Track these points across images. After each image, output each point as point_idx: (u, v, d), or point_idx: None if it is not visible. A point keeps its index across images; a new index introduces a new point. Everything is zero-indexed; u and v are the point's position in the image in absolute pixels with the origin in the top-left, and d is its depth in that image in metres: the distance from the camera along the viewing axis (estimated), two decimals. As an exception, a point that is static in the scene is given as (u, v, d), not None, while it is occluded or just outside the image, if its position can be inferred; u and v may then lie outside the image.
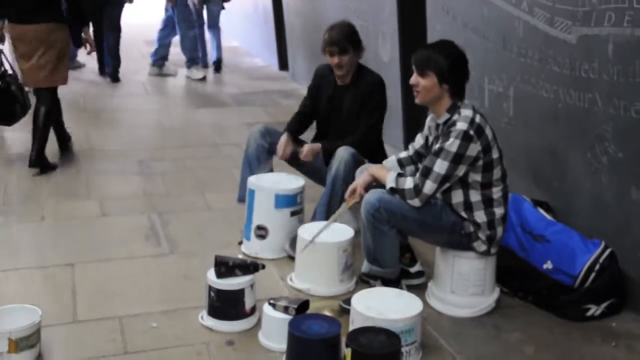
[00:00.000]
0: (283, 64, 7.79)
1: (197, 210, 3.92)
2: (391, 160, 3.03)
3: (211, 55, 7.89)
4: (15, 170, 4.45)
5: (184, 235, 3.56)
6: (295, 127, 3.63)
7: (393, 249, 2.84)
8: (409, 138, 4.38)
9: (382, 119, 3.52)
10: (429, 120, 2.92)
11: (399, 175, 2.76)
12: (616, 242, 2.89)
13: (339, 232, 3.06)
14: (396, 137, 4.76)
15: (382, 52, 4.91)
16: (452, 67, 2.70)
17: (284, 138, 3.53)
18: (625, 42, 2.71)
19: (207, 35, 7.75)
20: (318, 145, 3.47)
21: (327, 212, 3.30)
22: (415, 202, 2.69)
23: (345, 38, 3.37)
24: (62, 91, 4.66)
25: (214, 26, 7.73)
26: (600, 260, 2.81)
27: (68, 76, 4.57)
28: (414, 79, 2.74)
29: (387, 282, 2.84)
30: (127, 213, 3.83)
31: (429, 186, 2.65)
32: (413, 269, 3.08)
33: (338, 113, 3.52)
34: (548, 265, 2.88)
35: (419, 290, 2.92)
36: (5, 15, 4.31)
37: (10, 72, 4.46)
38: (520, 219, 3.06)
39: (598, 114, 2.91)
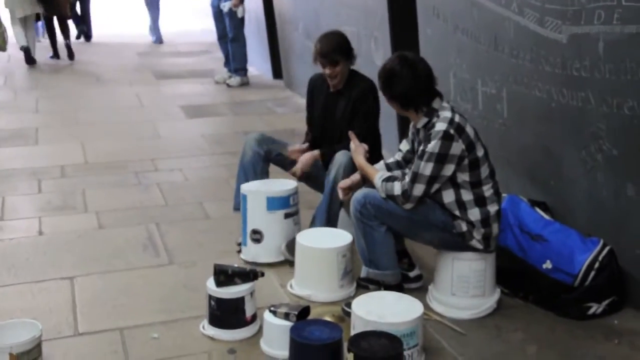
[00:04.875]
0: (277, 73, 7.81)
1: (195, 220, 3.92)
2: (379, 166, 3.03)
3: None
4: (12, 184, 4.46)
5: (183, 245, 3.56)
6: (312, 140, 3.62)
7: (387, 248, 2.84)
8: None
9: (377, 122, 3.52)
10: (412, 126, 2.95)
11: (386, 179, 2.77)
12: (614, 239, 2.89)
13: (338, 237, 3.07)
14: (390, 142, 4.75)
15: (375, 57, 4.92)
16: (402, 96, 2.73)
17: (309, 156, 3.47)
18: (616, 40, 2.72)
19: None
20: (316, 153, 3.47)
21: (327, 216, 3.30)
22: (407, 206, 2.73)
23: (334, 50, 3.36)
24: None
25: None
26: (600, 258, 2.81)
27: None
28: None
29: (389, 288, 2.82)
30: (124, 225, 3.83)
31: (417, 189, 2.68)
32: (412, 274, 3.08)
33: (332, 119, 3.53)
34: (547, 264, 2.88)
35: (420, 293, 2.92)
36: None
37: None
38: (518, 220, 3.07)
39: (591, 112, 2.92)
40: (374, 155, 3.44)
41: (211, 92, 7.42)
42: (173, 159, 5.05)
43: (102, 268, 3.28)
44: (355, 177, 3.05)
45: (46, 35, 9.66)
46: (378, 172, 2.86)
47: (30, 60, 8.74)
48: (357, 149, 3.04)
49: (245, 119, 6.28)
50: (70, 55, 9.12)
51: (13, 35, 8.65)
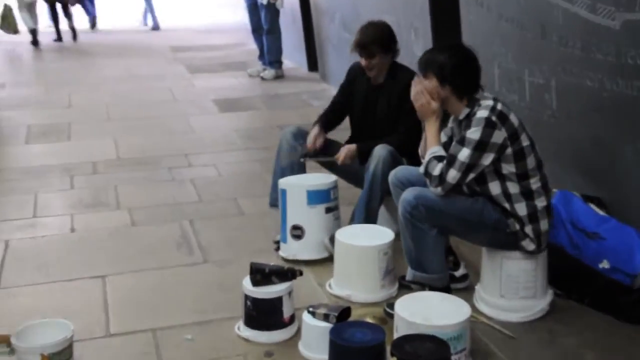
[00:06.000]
0: (312, 65, 7.71)
1: (230, 217, 3.83)
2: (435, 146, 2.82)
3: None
4: (45, 181, 4.44)
5: (217, 242, 3.48)
6: (325, 121, 3.55)
7: (437, 251, 2.72)
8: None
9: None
10: (451, 121, 2.82)
11: (436, 157, 2.65)
12: (677, 237, 2.72)
13: (379, 234, 2.95)
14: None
15: (415, 47, 4.80)
16: (451, 66, 2.63)
17: (315, 129, 3.48)
18: (677, 25, 2.55)
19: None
20: (353, 147, 3.38)
21: (366, 212, 3.19)
22: (438, 191, 2.61)
23: (373, 42, 3.28)
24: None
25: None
26: (662, 258, 2.64)
27: None
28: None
29: (434, 290, 2.70)
30: (157, 222, 3.76)
31: (452, 174, 2.56)
32: (458, 273, 2.95)
33: (372, 114, 3.45)
34: (604, 264, 2.72)
35: (466, 293, 2.79)
36: None
37: None
38: (571, 216, 2.91)
39: (650, 102, 2.75)
40: (414, 150, 3.32)
41: (245, 86, 7.36)
42: (206, 154, 4.99)
43: (135, 266, 3.22)
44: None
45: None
46: (436, 146, 2.70)
47: (35, 42, 9.99)
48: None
49: (280, 112, 6.19)
50: (74, 37, 10.55)
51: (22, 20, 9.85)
